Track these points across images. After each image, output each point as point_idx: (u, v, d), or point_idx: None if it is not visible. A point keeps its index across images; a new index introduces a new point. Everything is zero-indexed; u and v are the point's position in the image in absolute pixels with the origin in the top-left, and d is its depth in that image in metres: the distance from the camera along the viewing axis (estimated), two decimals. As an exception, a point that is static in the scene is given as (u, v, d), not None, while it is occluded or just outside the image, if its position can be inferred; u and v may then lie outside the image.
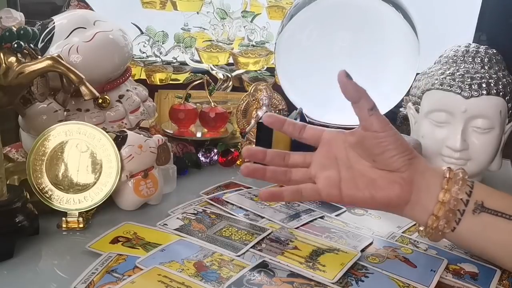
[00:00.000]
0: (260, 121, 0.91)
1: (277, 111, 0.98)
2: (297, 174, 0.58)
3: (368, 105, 0.53)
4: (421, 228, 0.57)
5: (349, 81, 0.52)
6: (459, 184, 0.53)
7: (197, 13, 1.09)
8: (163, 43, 1.09)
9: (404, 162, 0.53)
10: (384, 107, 0.93)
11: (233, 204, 0.71)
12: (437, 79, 0.77)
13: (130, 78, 0.85)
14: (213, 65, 1.10)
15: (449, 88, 0.75)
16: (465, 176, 0.54)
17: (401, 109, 0.94)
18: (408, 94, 0.89)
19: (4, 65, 0.64)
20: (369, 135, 0.53)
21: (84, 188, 0.65)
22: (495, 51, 0.79)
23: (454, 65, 0.78)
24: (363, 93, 0.53)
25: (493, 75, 0.75)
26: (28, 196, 0.60)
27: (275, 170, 0.58)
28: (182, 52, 1.10)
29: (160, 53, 1.09)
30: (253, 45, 1.10)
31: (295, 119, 0.89)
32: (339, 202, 0.58)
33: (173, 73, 1.09)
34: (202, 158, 0.91)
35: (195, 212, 0.67)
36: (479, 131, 0.74)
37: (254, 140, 0.93)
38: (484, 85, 0.73)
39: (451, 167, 0.55)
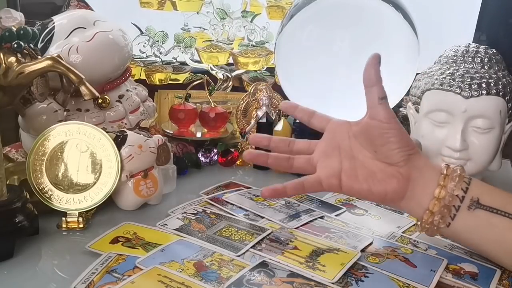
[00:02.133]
0: (260, 121, 0.92)
1: (277, 111, 0.98)
2: (299, 161, 0.59)
3: (380, 94, 0.54)
4: (418, 223, 0.57)
5: (376, 65, 0.53)
6: (456, 181, 0.53)
7: (197, 13, 1.09)
8: (163, 43, 1.09)
9: (403, 157, 0.54)
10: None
11: (233, 204, 0.71)
12: (437, 79, 0.77)
13: (130, 78, 0.85)
14: (213, 65, 1.10)
15: (449, 88, 0.75)
16: (463, 173, 0.54)
17: (401, 109, 0.94)
18: (408, 94, 0.88)
19: (4, 65, 0.64)
20: (374, 124, 0.54)
21: (84, 188, 0.65)
22: (495, 51, 0.79)
23: (454, 65, 0.78)
24: (379, 82, 0.54)
25: (493, 75, 0.75)
26: (28, 196, 0.60)
27: (278, 156, 0.59)
28: (182, 52, 1.10)
29: (160, 53, 1.09)
30: (253, 45, 1.10)
31: (295, 119, 0.89)
32: (337, 192, 0.58)
33: (173, 73, 1.08)
34: (202, 158, 0.91)
35: (195, 212, 0.67)
36: (479, 131, 0.74)
37: (254, 140, 0.93)
38: (484, 85, 0.73)
39: (449, 164, 0.55)
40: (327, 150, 0.58)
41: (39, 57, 0.68)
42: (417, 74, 0.86)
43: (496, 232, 0.53)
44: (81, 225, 0.64)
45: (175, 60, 1.10)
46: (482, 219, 0.53)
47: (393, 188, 0.54)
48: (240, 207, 0.70)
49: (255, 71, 1.11)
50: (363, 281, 0.53)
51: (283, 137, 0.61)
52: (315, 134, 0.93)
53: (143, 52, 1.09)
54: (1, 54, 0.64)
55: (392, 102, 0.96)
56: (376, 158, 0.55)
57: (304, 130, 0.89)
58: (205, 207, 0.69)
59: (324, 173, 0.57)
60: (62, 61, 0.68)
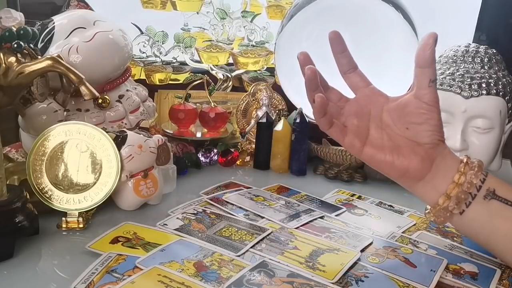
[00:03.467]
0: (260, 121, 0.92)
1: (277, 111, 0.98)
2: (331, 108, 0.57)
3: (432, 76, 0.53)
4: (428, 210, 0.57)
5: (433, 46, 0.52)
6: (475, 170, 0.54)
7: (197, 13, 1.09)
8: (163, 43, 1.09)
9: (434, 140, 0.54)
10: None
11: (233, 204, 0.71)
12: (437, 79, 0.77)
13: (130, 78, 0.85)
14: (213, 65, 1.10)
15: (449, 88, 0.75)
16: (481, 165, 0.55)
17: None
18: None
19: (4, 65, 0.64)
20: (416, 103, 0.54)
21: (84, 188, 0.65)
22: (495, 51, 0.79)
23: (454, 65, 0.78)
24: (433, 63, 0.53)
25: (493, 75, 0.75)
26: (28, 196, 0.60)
27: (322, 92, 0.56)
28: (182, 52, 1.10)
29: (160, 53, 1.09)
30: (253, 45, 1.10)
31: (295, 119, 0.89)
32: (356, 155, 0.57)
33: (173, 73, 1.08)
34: (202, 158, 0.91)
35: (195, 212, 0.67)
36: (479, 131, 0.74)
37: (254, 140, 0.93)
38: (484, 85, 0.73)
39: (469, 156, 0.56)
40: (358, 111, 0.57)
41: (39, 57, 0.68)
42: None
43: (508, 226, 0.53)
44: (81, 225, 0.64)
45: (175, 60, 1.10)
46: (496, 210, 0.53)
47: (415, 166, 0.54)
48: (240, 207, 0.70)
49: (255, 71, 1.11)
50: (363, 281, 0.53)
51: (321, 75, 0.58)
52: (315, 135, 0.93)
53: (143, 52, 1.09)
54: (1, 54, 0.64)
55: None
56: (404, 135, 0.55)
57: (304, 130, 0.89)
58: (205, 207, 0.69)
59: (351, 131, 0.56)
60: (62, 61, 0.68)
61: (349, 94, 0.60)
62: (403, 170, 0.55)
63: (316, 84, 0.55)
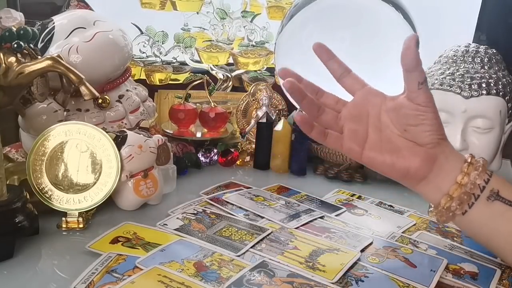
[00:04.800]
0: (260, 121, 0.92)
1: (277, 111, 0.98)
2: (327, 116, 0.57)
3: (420, 78, 0.53)
4: (431, 208, 0.57)
5: (414, 47, 0.52)
6: (479, 170, 0.53)
7: (197, 13, 1.09)
8: (163, 43, 1.09)
9: (434, 140, 0.54)
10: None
11: (233, 204, 0.71)
12: (437, 79, 0.77)
13: (130, 78, 0.85)
14: (213, 65, 1.10)
15: (449, 88, 0.75)
16: (486, 164, 0.54)
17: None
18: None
19: (4, 65, 0.64)
20: (410, 105, 0.54)
21: (84, 188, 0.65)
22: (495, 51, 0.79)
23: (454, 65, 0.78)
24: (419, 65, 0.53)
25: (493, 75, 0.75)
26: (28, 196, 0.60)
27: (312, 100, 0.56)
28: (182, 52, 1.10)
29: (160, 53, 1.09)
30: (253, 45, 1.10)
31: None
32: (356, 159, 0.57)
33: (173, 73, 1.09)
34: (202, 158, 0.91)
35: (195, 212, 0.67)
36: (479, 131, 0.74)
37: (254, 140, 0.93)
38: (484, 85, 0.73)
39: (473, 155, 0.55)
40: (355, 115, 0.57)
41: (39, 57, 0.68)
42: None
43: (511, 227, 0.53)
44: (81, 225, 0.64)
45: (175, 60, 1.10)
46: (499, 211, 0.53)
47: (416, 167, 0.54)
48: (240, 207, 0.70)
49: (255, 71, 1.11)
50: (363, 281, 0.53)
51: (312, 83, 0.58)
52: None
53: (143, 52, 1.09)
54: (1, 54, 0.64)
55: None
56: (404, 136, 0.55)
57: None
58: (205, 207, 0.69)
59: (348, 137, 0.56)
60: (62, 61, 0.68)
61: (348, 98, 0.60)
62: (404, 172, 0.55)
63: (300, 94, 0.55)
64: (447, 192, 0.54)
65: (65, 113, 0.74)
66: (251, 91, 0.99)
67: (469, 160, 0.54)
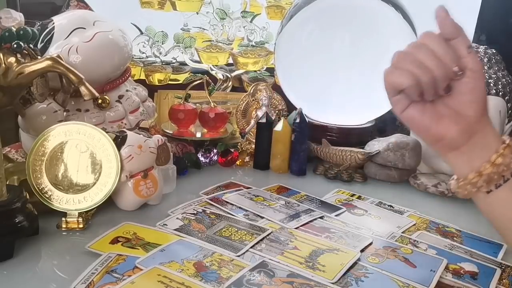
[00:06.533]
0: (260, 121, 0.92)
1: (277, 111, 0.98)
2: None
3: (467, 42, 0.52)
4: (454, 180, 0.56)
5: (447, 16, 0.51)
6: None
7: (197, 13, 1.09)
8: (162, 43, 1.09)
9: (476, 112, 0.53)
10: (384, 107, 0.93)
11: (232, 204, 0.71)
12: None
13: (129, 78, 0.85)
14: (212, 65, 1.10)
15: (448, 88, 0.75)
16: None
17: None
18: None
19: (3, 65, 0.64)
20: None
21: (83, 188, 0.65)
22: (494, 51, 0.79)
23: (454, 65, 0.78)
24: (461, 30, 0.52)
25: (492, 75, 0.75)
26: (28, 196, 0.60)
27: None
28: (182, 52, 1.10)
29: (160, 53, 1.09)
30: (252, 45, 1.10)
31: (295, 119, 0.89)
32: (396, 113, 0.56)
33: (173, 73, 1.09)
34: (202, 158, 0.91)
35: (195, 212, 0.67)
36: (479, 131, 0.74)
37: (254, 140, 0.93)
38: (483, 85, 0.73)
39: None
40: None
41: (39, 57, 0.68)
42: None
43: None
44: (81, 225, 0.64)
45: (174, 60, 1.10)
46: None
47: (452, 136, 0.53)
48: (240, 207, 0.70)
49: (255, 71, 1.11)
50: (363, 281, 0.53)
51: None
52: (315, 135, 0.93)
53: (143, 52, 1.09)
54: (1, 54, 0.64)
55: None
56: (447, 104, 0.54)
57: (304, 130, 0.89)
58: (205, 207, 0.69)
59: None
60: (61, 61, 0.67)
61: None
62: (438, 138, 0.54)
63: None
64: (478, 168, 0.53)
65: (65, 113, 0.74)
66: (251, 91, 0.99)
67: (507, 142, 0.53)
